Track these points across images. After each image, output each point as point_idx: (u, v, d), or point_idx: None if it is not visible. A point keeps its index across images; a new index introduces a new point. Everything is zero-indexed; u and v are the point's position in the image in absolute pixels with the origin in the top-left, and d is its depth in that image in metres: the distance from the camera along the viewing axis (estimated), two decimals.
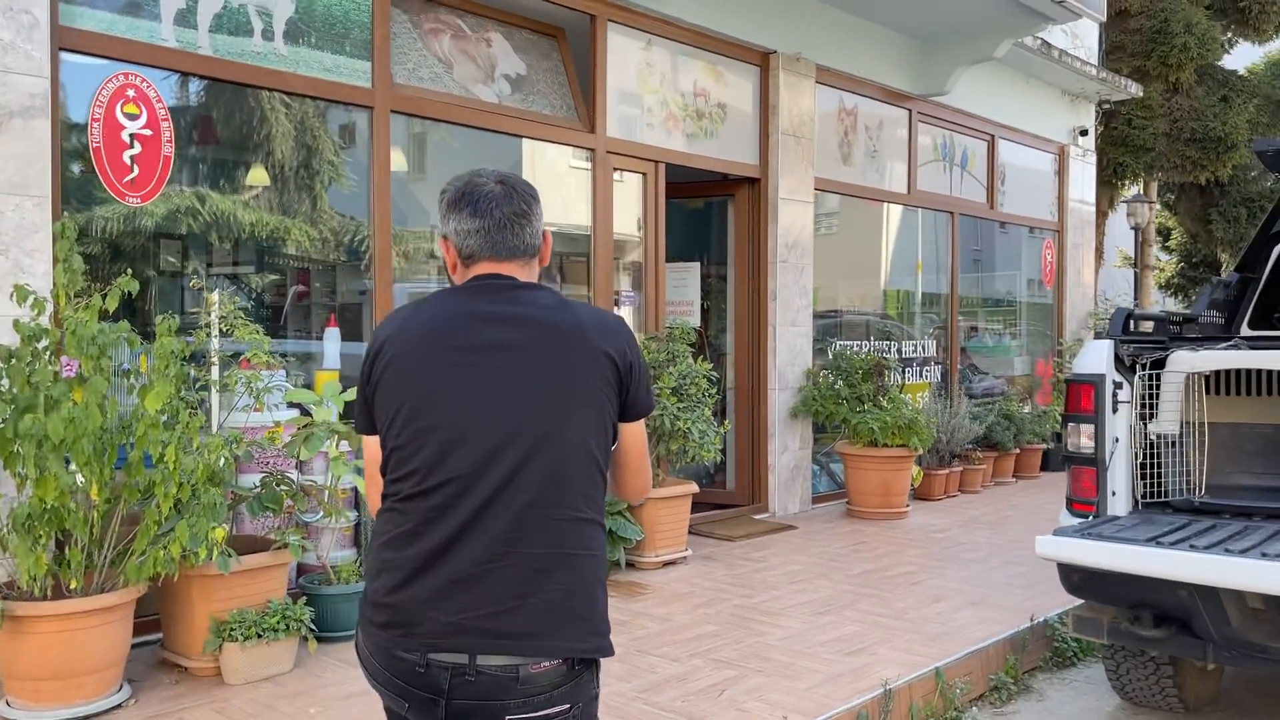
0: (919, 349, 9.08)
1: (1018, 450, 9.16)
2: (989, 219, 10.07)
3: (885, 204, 8.76)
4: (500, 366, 1.83)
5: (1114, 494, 3.44)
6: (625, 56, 6.54)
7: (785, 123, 7.42)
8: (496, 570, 1.76)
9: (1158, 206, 16.42)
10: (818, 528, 7.09)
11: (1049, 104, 10.61)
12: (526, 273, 1.94)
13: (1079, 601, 5.20)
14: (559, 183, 6.54)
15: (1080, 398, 3.48)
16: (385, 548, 1.84)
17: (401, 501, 1.83)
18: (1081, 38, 11.01)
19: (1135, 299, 15.08)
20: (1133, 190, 15.33)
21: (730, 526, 6.94)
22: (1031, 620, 4.80)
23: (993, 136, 9.91)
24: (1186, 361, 3.34)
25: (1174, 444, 3.41)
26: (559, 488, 1.80)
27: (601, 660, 1.88)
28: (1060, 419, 3.60)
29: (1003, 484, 9.06)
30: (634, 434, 1.98)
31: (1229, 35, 14.80)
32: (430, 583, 1.78)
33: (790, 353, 7.51)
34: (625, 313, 6.60)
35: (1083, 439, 3.49)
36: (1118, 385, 3.43)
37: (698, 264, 7.61)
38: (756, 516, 7.38)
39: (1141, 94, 11.60)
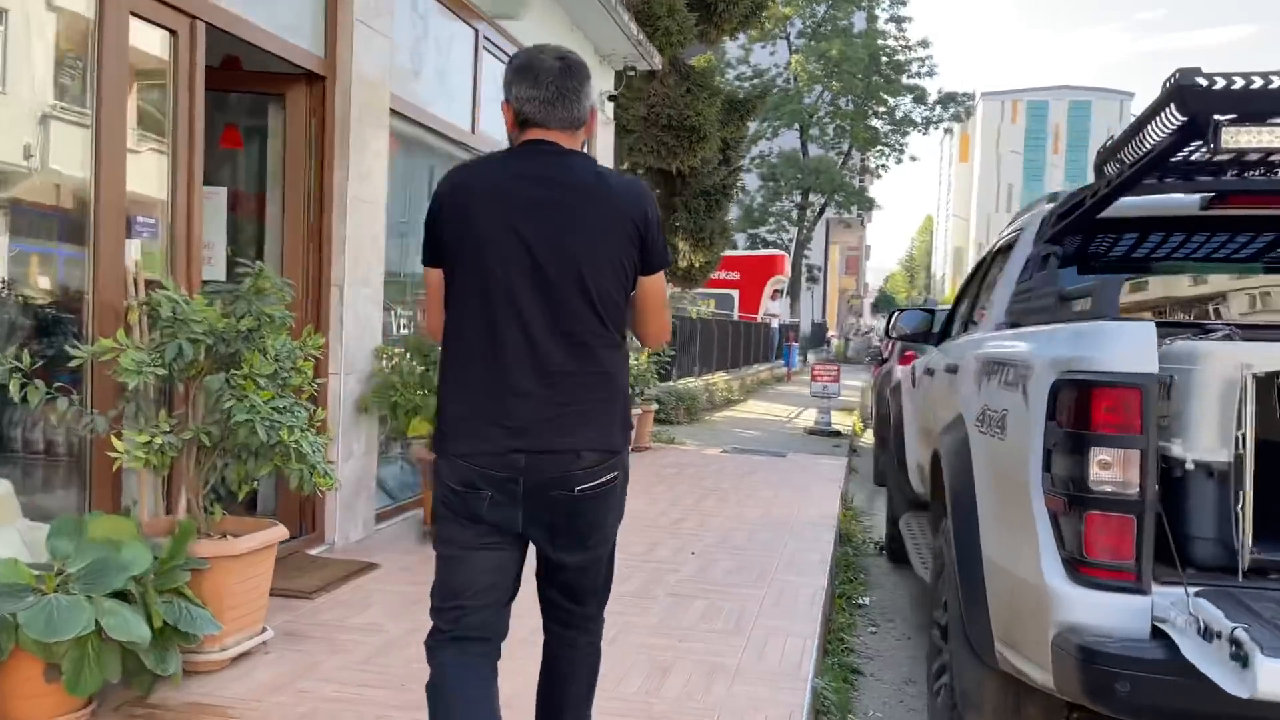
0: None
1: None
2: None
3: (447, 142, 7.04)
4: (543, 220, 2.21)
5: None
6: None
7: (361, 2, 5.37)
8: (548, 386, 2.20)
9: None
10: (407, 563, 5.21)
11: (586, 60, 9.68)
12: (570, 140, 2.31)
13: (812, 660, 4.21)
14: (25, 34, 3.81)
15: (1112, 408, 2.29)
16: (452, 365, 2.28)
17: (461, 328, 2.26)
18: None
19: None
20: None
21: (295, 574, 4.77)
22: (814, 693, 3.64)
23: None
24: (1245, 355, 2.33)
25: (1218, 477, 2.39)
26: (593, 320, 2.23)
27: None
28: (1067, 439, 2.37)
29: None
30: (654, 283, 2.38)
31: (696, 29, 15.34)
32: (494, 399, 2.21)
33: (359, 325, 5.49)
34: (134, 247, 4.08)
35: (1108, 472, 2.31)
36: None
37: (223, 190, 5.23)
38: (313, 551, 5.28)
39: (661, 67, 11.26)
